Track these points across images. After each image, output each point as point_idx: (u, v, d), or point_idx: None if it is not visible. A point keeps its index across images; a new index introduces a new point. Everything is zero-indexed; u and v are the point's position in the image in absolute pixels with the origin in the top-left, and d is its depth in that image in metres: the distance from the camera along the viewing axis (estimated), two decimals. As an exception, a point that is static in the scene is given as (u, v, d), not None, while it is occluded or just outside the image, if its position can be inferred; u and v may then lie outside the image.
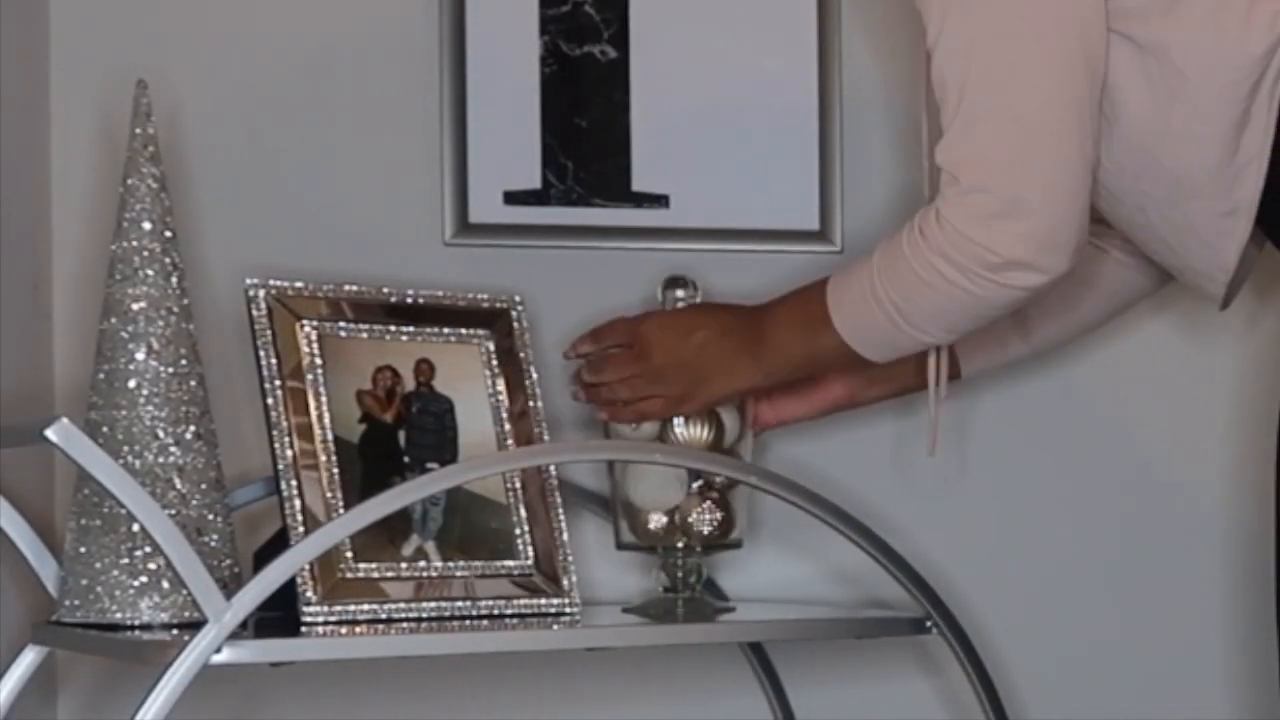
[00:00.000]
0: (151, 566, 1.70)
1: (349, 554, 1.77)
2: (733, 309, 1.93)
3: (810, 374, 1.96)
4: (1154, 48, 1.73)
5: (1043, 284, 1.72)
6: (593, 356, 1.94)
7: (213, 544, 1.74)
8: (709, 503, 1.95)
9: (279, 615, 1.70)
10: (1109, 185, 1.79)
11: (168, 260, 1.76)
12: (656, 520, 1.95)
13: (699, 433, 1.94)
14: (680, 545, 1.94)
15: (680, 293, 1.98)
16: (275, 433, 1.78)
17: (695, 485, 1.95)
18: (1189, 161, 1.76)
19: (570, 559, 1.89)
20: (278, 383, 1.80)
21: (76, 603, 1.72)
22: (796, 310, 1.86)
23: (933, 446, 1.95)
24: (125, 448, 1.71)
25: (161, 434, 1.72)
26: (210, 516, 1.74)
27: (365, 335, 1.87)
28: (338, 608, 1.75)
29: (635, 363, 1.91)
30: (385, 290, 1.90)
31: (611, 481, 1.98)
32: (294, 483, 1.77)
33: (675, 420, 1.93)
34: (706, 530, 1.94)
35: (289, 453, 1.78)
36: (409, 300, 1.91)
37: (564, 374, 2.03)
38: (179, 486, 1.72)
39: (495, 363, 1.93)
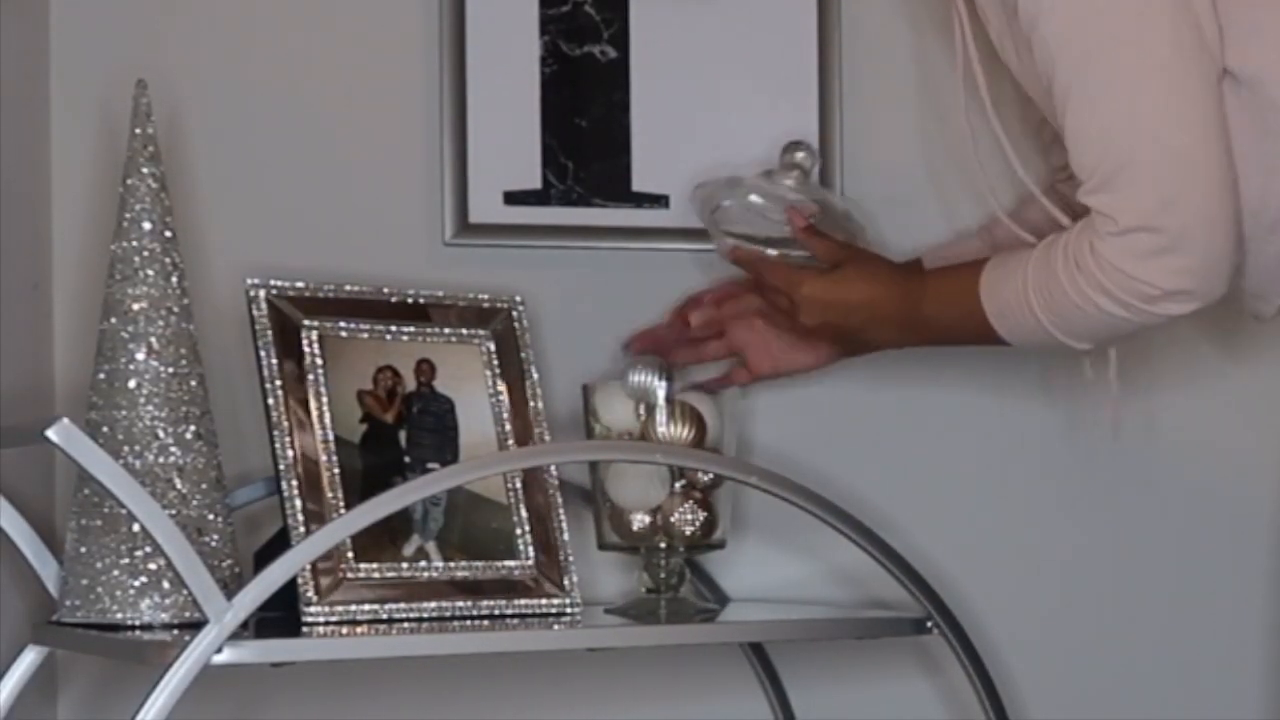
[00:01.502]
0: (152, 567, 1.70)
1: (350, 554, 1.78)
2: (894, 276, 1.94)
3: (955, 345, 1.97)
4: (1247, 79, 1.75)
5: (1199, 308, 1.75)
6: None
7: (213, 544, 1.74)
8: (691, 503, 1.94)
9: (280, 615, 1.70)
10: None
11: (168, 260, 1.76)
12: (639, 521, 1.94)
13: (682, 431, 1.93)
14: (663, 546, 1.94)
15: (800, 154, 2.00)
16: (276, 433, 1.78)
17: (678, 485, 1.94)
18: (1269, 193, 1.77)
19: (570, 559, 1.89)
20: (278, 383, 1.80)
21: (77, 603, 1.72)
22: (952, 296, 1.88)
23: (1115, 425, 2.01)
24: (126, 448, 1.71)
25: (162, 434, 1.72)
26: (211, 516, 1.74)
27: (366, 335, 1.87)
28: (338, 608, 1.75)
29: (785, 319, 1.96)
30: (385, 290, 1.90)
31: (593, 481, 1.97)
32: (294, 483, 1.77)
33: (658, 419, 1.93)
34: (689, 530, 1.94)
35: (290, 453, 1.78)
36: (409, 300, 1.91)
37: (564, 373, 2.03)
38: (179, 486, 1.72)
39: (495, 363, 1.93)
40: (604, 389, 1.96)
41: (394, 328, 1.89)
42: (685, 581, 1.96)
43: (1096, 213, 1.74)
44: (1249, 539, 2.27)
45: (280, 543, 1.78)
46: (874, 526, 1.87)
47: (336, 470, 1.80)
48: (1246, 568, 2.28)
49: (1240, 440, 2.27)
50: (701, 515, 1.94)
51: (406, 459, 1.85)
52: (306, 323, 1.84)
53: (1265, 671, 2.27)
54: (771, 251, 1.97)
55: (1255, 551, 2.28)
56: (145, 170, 1.77)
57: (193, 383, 1.75)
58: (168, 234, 1.76)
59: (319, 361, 1.83)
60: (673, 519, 1.94)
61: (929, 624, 1.88)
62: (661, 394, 1.93)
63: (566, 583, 1.88)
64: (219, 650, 1.57)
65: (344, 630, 1.73)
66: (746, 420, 2.14)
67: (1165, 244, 1.71)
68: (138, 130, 1.77)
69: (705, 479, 1.95)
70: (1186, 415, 2.28)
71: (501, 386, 1.92)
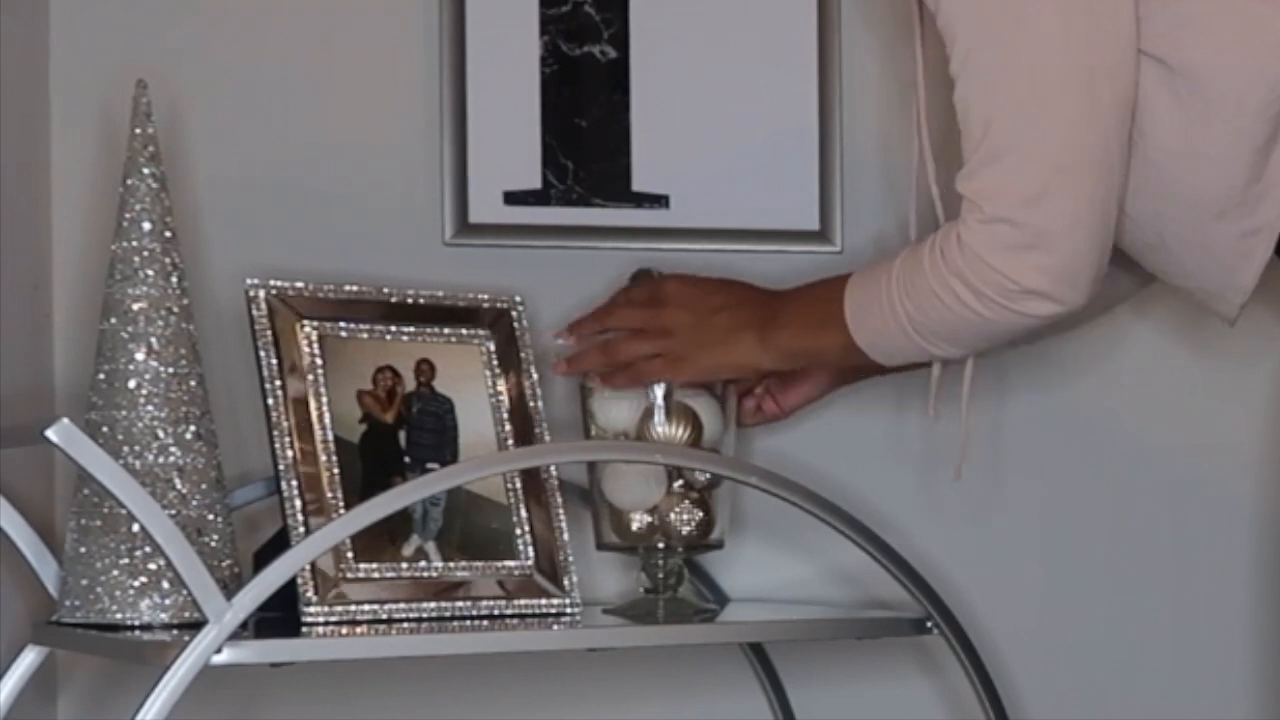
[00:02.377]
0: (152, 567, 1.70)
1: (349, 554, 1.77)
2: (755, 287, 1.94)
3: (809, 365, 1.97)
4: (1183, 69, 1.73)
5: (1058, 314, 1.73)
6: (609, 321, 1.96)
7: (213, 544, 1.74)
8: (688, 502, 1.94)
9: (279, 616, 1.70)
10: (1128, 208, 1.78)
11: (168, 260, 1.76)
12: (638, 521, 1.94)
13: (678, 432, 1.93)
14: (661, 546, 1.94)
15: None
16: (275, 433, 1.78)
17: (676, 485, 1.94)
18: (1214, 182, 1.76)
19: (570, 559, 1.89)
20: (278, 383, 1.80)
21: (77, 603, 1.72)
22: (812, 303, 1.87)
23: (959, 471, 1.95)
24: (125, 448, 1.71)
25: (162, 434, 1.72)
26: (210, 517, 1.74)
27: (365, 335, 1.87)
28: (338, 608, 1.75)
29: (646, 312, 1.92)
30: (385, 290, 1.90)
31: (591, 481, 1.97)
32: (294, 483, 1.77)
33: (655, 419, 1.93)
34: (686, 530, 1.94)
35: (289, 453, 1.78)
36: (409, 300, 1.91)
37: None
38: (179, 487, 1.72)
39: (495, 363, 1.93)
40: (601, 390, 1.96)
41: (394, 328, 1.89)
42: (684, 582, 1.96)
43: (966, 200, 1.72)
44: (1249, 539, 2.27)
45: (280, 543, 1.78)
46: (874, 526, 1.87)
47: (336, 470, 1.80)
48: (1246, 567, 2.27)
49: (1240, 439, 2.26)
50: (699, 515, 1.94)
51: (406, 459, 1.85)
52: (306, 323, 1.84)
53: (1263, 672, 2.27)
54: None
55: (1255, 551, 2.28)
56: (145, 170, 1.77)
57: (193, 383, 1.75)
58: (168, 234, 1.76)
59: (319, 361, 1.83)
60: (670, 519, 1.94)
61: (929, 624, 1.88)
62: (659, 393, 1.93)
63: (566, 583, 1.88)
64: (219, 650, 1.57)
65: (344, 630, 1.73)
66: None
67: (1027, 239, 1.69)
68: (138, 130, 1.77)
69: (703, 479, 1.94)
70: (1187, 414, 2.28)
71: (501, 386, 1.92)
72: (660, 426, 1.93)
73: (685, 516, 1.94)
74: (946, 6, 1.73)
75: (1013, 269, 1.70)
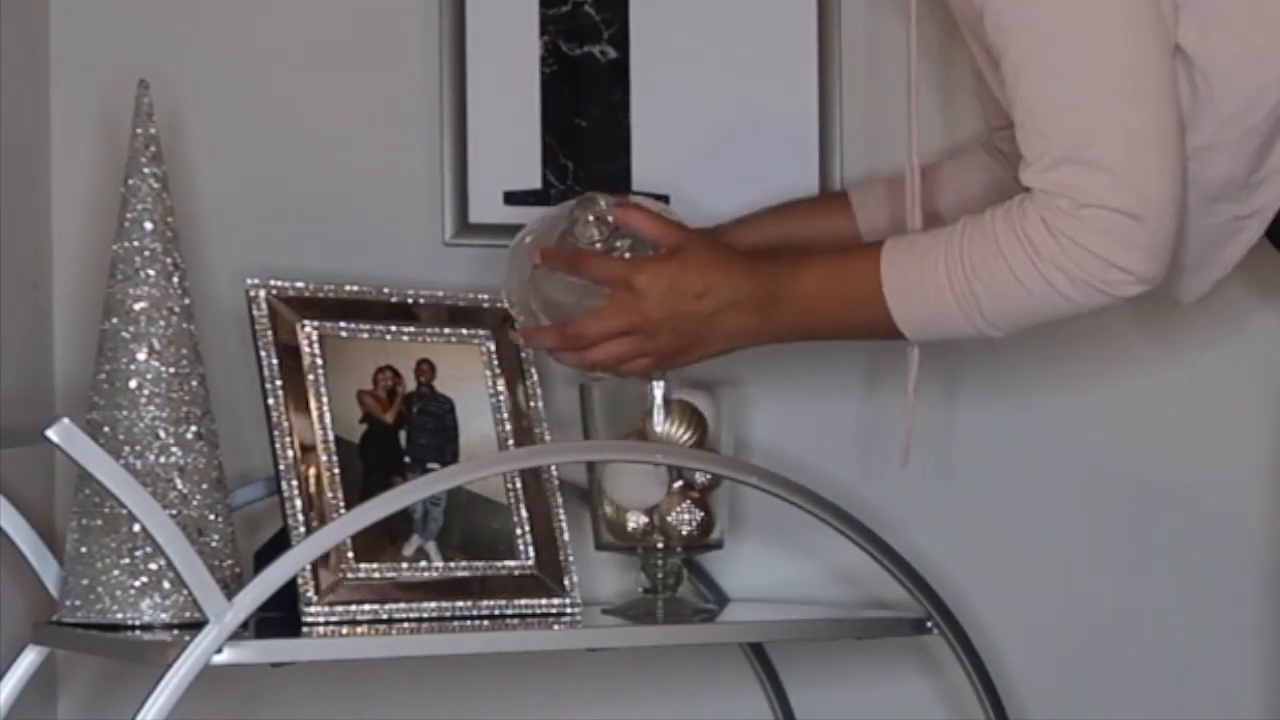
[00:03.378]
0: (152, 567, 1.70)
1: (350, 554, 1.77)
2: (748, 270, 1.82)
3: (819, 340, 1.87)
4: (1205, 63, 1.75)
5: (1144, 293, 1.73)
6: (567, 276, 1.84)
7: (214, 544, 1.74)
8: (688, 502, 1.94)
9: (280, 615, 1.70)
10: None
11: (169, 260, 1.76)
12: (636, 521, 1.94)
13: (680, 431, 1.93)
14: (660, 546, 1.94)
15: (601, 203, 1.86)
16: (276, 433, 1.78)
17: (675, 485, 1.94)
18: (1219, 170, 1.77)
19: (571, 559, 1.89)
20: (278, 383, 1.80)
21: (77, 603, 1.72)
22: (836, 281, 1.81)
23: (905, 456, 1.91)
24: (126, 448, 1.71)
25: (162, 434, 1.72)
26: (211, 517, 1.74)
27: (366, 335, 1.87)
28: (339, 608, 1.75)
29: (625, 315, 1.80)
30: (385, 290, 1.90)
31: (591, 481, 1.97)
32: (295, 483, 1.77)
33: (655, 419, 1.93)
34: (686, 530, 1.94)
35: (290, 453, 1.78)
36: (409, 300, 1.91)
37: (564, 373, 2.02)
38: (180, 487, 1.72)
39: (495, 363, 1.93)
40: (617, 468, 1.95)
41: (394, 328, 1.89)
42: (683, 582, 1.96)
43: (1041, 191, 1.71)
44: (1248, 538, 2.28)
45: (280, 543, 1.78)
46: (874, 526, 1.87)
47: (336, 470, 1.80)
48: (1246, 567, 2.28)
49: (1241, 440, 2.27)
50: (699, 515, 1.94)
51: (406, 459, 1.85)
52: (306, 323, 1.84)
53: (1264, 671, 2.27)
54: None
55: (1255, 551, 2.28)
56: (147, 170, 1.76)
57: (193, 383, 1.75)
58: (169, 234, 1.76)
59: (319, 361, 1.83)
60: (670, 519, 1.94)
61: (929, 624, 1.88)
62: (659, 393, 1.93)
63: (566, 583, 1.88)
64: (219, 650, 1.57)
65: (344, 630, 1.73)
66: (745, 420, 2.14)
67: (1123, 223, 1.69)
68: (139, 130, 1.77)
69: (703, 479, 1.94)
70: (1185, 413, 2.28)
71: (501, 386, 1.92)
72: (661, 426, 1.93)
73: (685, 517, 1.94)
74: (996, 6, 1.73)
75: (1115, 253, 1.69)
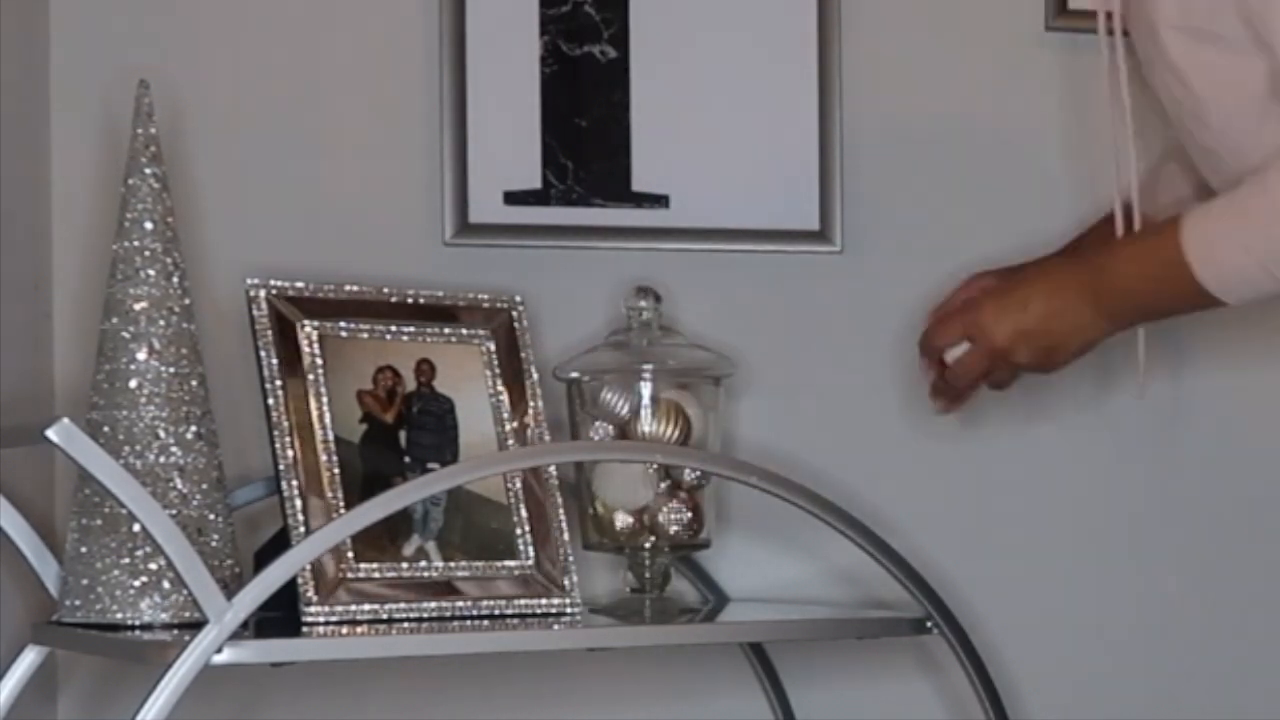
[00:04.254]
0: (152, 566, 1.70)
1: (350, 554, 1.77)
2: (1058, 266, 1.97)
3: (1155, 319, 1.95)
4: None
5: None
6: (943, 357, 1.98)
7: (213, 544, 1.74)
8: (677, 501, 1.94)
9: (280, 615, 1.70)
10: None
11: (169, 260, 1.76)
12: (624, 520, 1.94)
13: (667, 430, 1.93)
14: (647, 545, 1.94)
15: (643, 303, 1.97)
16: (276, 433, 1.78)
17: (664, 484, 1.94)
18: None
19: (571, 559, 1.89)
20: (278, 383, 1.80)
21: (77, 603, 1.72)
22: (1144, 259, 1.86)
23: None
24: (126, 448, 1.71)
25: (162, 434, 1.72)
26: (211, 516, 1.74)
27: (366, 335, 1.87)
28: (338, 608, 1.75)
29: (985, 358, 1.95)
30: (385, 290, 1.90)
31: (579, 481, 1.97)
32: (294, 483, 1.77)
33: (642, 418, 1.93)
34: (675, 529, 1.94)
35: (290, 453, 1.78)
36: (409, 300, 1.91)
37: (564, 373, 2.02)
38: (180, 486, 1.72)
39: (495, 363, 1.93)
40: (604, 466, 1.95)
41: (394, 328, 1.89)
42: (670, 580, 1.96)
43: None
44: (1248, 538, 2.27)
45: (280, 543, 1.78)
46: (874, 526, 1.87)
47: (336, 470, 1.80)
48: (1246, 567, 2.28)
49: (1235, 438, 2.27)
50: (687, 515, 1.94)
51: (406, 459, 1.85)
52: (306, 323, 1.84)
53: (1264, 671, 2.27)
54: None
55: (1255, 551, 2.28)
56: (147, 170, 1.77)
57: (193, 383, 1.75)
58: (169, 234, 1.76)
59: (319, 361, 1.83)
60: (659, 518, 1.94)
61: (929, 624, 1.88)
62: (646, 392, 1.93)
63: (566, 583, 1.88)
64: (219, 650, 1.57)
65: (344, 630, 1.73)
66: (744, 420, 2.14)
67: None
68: (140, 130, 1.77)
69: (692, 478, 1.94)
70: (1185, 413, 2.28)
71: (501, 386, 1.92)
72: (648, 425, 1.93)
73: (674, 516, 1.94)
74: None
75: None
